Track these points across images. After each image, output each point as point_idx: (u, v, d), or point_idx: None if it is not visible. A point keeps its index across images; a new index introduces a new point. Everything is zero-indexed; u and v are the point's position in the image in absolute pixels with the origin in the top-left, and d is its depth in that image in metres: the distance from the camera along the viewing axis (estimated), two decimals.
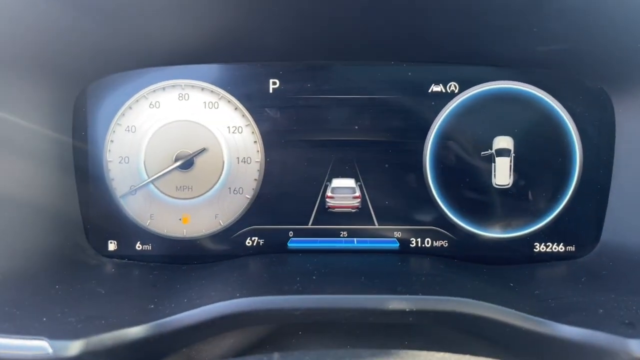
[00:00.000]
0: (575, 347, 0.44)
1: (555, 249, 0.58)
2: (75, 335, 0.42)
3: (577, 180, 0.57)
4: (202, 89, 0.55)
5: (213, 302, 0.46)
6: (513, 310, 0.46)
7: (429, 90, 0.55)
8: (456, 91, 0.55)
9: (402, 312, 0.47)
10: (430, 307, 0.46)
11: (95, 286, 0.53)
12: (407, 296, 0.47)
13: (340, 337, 0.49)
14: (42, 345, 0.42)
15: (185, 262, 0.59)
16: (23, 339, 0.43)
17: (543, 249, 0.58)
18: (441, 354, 0.42)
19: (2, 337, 0.43)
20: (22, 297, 0.50)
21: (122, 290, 0.54)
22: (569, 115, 0.55)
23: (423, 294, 0.47)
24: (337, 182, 0.57)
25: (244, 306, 0.46)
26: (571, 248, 0.58)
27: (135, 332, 0.44)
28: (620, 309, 0.48)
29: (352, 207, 0.58)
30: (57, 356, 0.42)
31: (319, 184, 0.58)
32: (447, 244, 0.57)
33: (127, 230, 0.59)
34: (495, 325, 0.47)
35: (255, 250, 0.60)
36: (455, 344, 0.48)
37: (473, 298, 0.47)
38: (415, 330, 0.51)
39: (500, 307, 0.46)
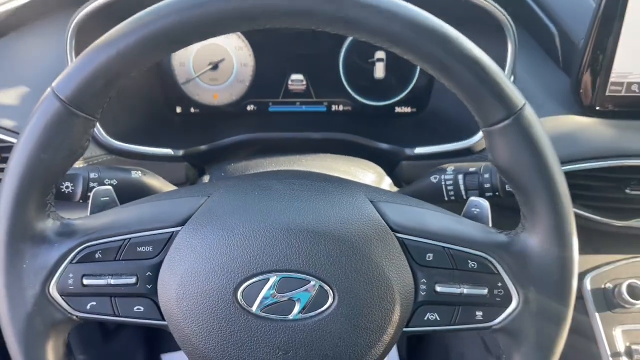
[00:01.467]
0: (386, 153, 0.78)
1: (405, 110, 0.89)
2: (179, 147, 0.76)
3: (418, 73, 0.86)
4: None
5: (236, 135, 0.79)
6: (368, 139, 0.79)
7: None
8: None
9: (321, 139, 0.79)
10: (331, 137, 0.79)
11: (175, 129, 0.85)
12: (322, 132, 0.80)
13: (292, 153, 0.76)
14: (167, 151, 0.75)
15: (218, 117, 0.88)
16: (156, 148, 0.75)
17: (400, 110, 0.89)
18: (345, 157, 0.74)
19: (144, 146, 0.74)
20: (137, 136, 0.77)
21: (189, 128, 0.86)
22: None
23: (330, 131, 0.80)
24: (294, 76, 0.87)
25: (249, 137, 0.79)
26: (414, 109, 0.89)
27: (202, 148, 0.78)
28: (421, 136, 0.78)
29: (302, 89, 0.88)
30: (174, 155, 0.76)
31: (284, 77, 0.87)
32: (350, 108, 0.88)
33: (186, 100, 0.88)
34: (363, 147, 0.78)
35: (252, 112, 0.89)
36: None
37: (353, 133, 0.80)
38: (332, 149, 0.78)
39: (363, 137, 0.79)
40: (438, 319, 0.52)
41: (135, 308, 0.51)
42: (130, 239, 0.51)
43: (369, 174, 0.71)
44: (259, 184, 0.54)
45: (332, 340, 0.49)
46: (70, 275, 0.50)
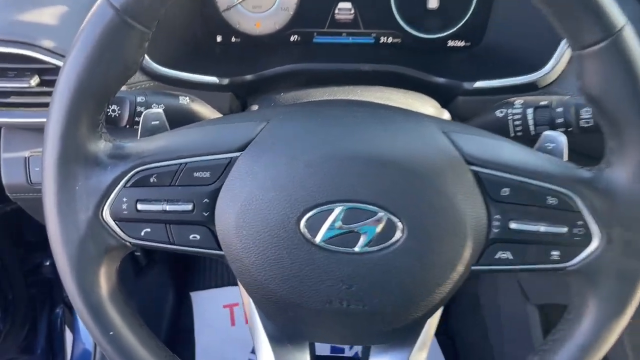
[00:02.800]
0: (440, 88, 0.74)
1: (458, 44, 0.85)
2: (223, 75, 0.73)
3: (475, 4, 0.81)
4: None
5: (280, 65, 0.76)
6: (422, 72, 0.75)
7: None
8: None
9: (372, 72, 0.76)
10: (382, 69, 0.76)
11: (216, 59, 0.83)
12: (373, 64, 0.77)
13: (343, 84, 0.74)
14: (213, 79, 0.72)
15: (259, 47, 0.86)
16: (200, 75, 0.72)
17: (452, 44, 0.86)
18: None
19: (190, 73, 0.72)
20: (179, 64, 0.74)
21: (230, 58, 0.84)
22: None
23: (376, 63, 0.77)
24: (341, 4, 0.83)
25: (296, 67, 0.76)
26: (468, 44, 0.85)
27: (248, 78, 0.75)
28: (476, 72, 0.75)
29: (349, 19, 0.84)
30: (219, 83, 0.72)
31: (331, 5, 0.83)
32: (400, 40, 0.85)
33: (227, 29, 0.85)
34: (416, 81, 0.75)
35: (295, 42, 0.86)
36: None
37: (404, 65, 0.75)
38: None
39: (416, 70, 0.75)
40: (510, 257, 0.49)
41: (191, 236, 0.50)
42: (186, 163, 0.49)
43: (428, 107, 0.69)
44: (320, 111, 0.52)
45: (398, 276, 0.48)
46: (124, 199, 0.49)
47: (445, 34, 0.85)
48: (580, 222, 0.48)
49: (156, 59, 0.71)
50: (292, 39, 0.86)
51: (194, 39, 0.83)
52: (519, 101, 0.63)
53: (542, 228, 0.48)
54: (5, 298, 1.20)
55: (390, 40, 0.86)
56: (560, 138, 0.55)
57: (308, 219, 0.47)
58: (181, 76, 0.72)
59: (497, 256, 0.50)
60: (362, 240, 0.47)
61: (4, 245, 1.20)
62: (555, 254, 0.49)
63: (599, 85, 0.44)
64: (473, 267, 0.50)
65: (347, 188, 0.47)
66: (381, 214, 0.47)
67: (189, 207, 0.49)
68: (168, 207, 0.49)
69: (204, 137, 0.50)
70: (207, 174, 0.49)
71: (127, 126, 0.61)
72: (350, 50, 0.85)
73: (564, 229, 0.48)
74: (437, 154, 0.48)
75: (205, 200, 0.49)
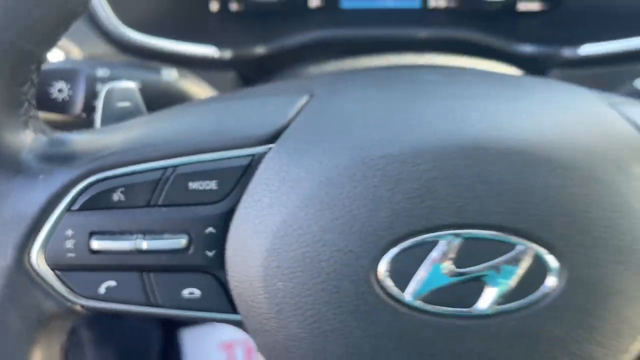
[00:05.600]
0: (526, 60, 0.64)
1: (531, 7, 0.72)
2: (225, 46, 0.62)
3: None
4: None
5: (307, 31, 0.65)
6: (502, 39, 0.65)
7: None
8: None
9: (429, 40, 0.66)
10: (451, 37, 0.67)
11: (211, 29, 0.69)
12: (435, 29, 0.67)
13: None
14: (211, 51, 0.60)
15: (269, 17, 0.72)
16: (193, 44, 0.60)
17: (524, 7, 0.72)
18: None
19: (176, 42, 0.60)
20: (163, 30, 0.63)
21: (231, 30, 0.69)
22: None
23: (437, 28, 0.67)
24: None
25: (326, 35, 0.66)
26: (545, 6, 0.72)
27: (259, 52, 0.64)
28: (561, 39, 0.64)
29: None
30: (220, 58, 0.61)
31: None
32: (455, 4, 0.72)
33: None
34: (492, 51, 0.65)
35: (317, 9, 0.73)
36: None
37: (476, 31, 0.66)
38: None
39: (494, 37, 0.65)
40: None
41: (185, 292, 0.34)
42: (176, 167, 0.33)
43: None
44: (399, 76, 0.38)
45: (552, 353, 0.31)
46: (69, 233, 0.34)
47: None
48: None
49: (129, 21, 0.58)
50: (311, 4, 0.73)
51: (181, 5, 0.70)
52: None
53: None
54: None
55: (442, 3, 0.74)
56: None
57: (391, 262, 0.31)
58: (165, 47, 0.58)
59: None
60: (492, 293, 0.30)
61: None
62: None
63: None
64: None
65: (460, 203, 0.30)
66: (522, 246, 0.30)
67: (182, 241, 0.33)
68: (146, 245, 0.33)
69: (207, 124, 0.35)
70: (213, 185, 0.33)
71: (84, 115, 0.46)
72: (388, 18, 0.73)
73: None
74: (610, 138, 0.32)
75: (210, 229, 0.34)
